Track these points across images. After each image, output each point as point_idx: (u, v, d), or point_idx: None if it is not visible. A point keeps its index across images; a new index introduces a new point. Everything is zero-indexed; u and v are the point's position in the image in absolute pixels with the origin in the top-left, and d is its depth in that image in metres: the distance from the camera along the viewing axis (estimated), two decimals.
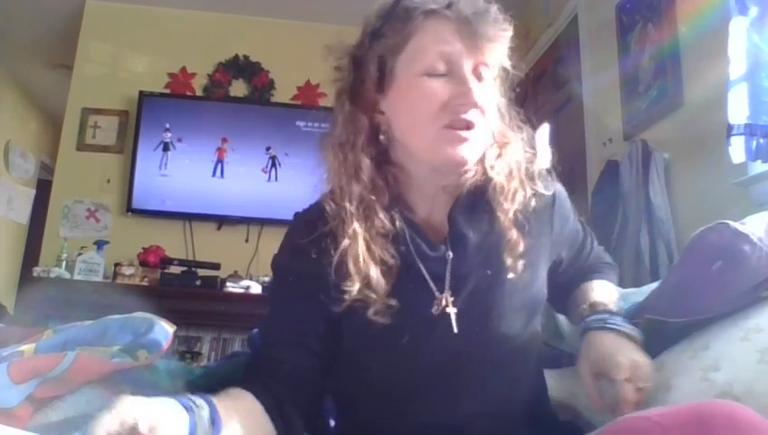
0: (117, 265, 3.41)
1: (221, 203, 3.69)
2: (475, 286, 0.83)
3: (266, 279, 3.43)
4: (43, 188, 4.85)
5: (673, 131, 2.17)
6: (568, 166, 3.07)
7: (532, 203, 0.87)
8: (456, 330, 0.81)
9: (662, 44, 2.24)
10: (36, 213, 4.98)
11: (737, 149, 1.78)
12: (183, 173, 3.72)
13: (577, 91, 2.97)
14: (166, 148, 3.72)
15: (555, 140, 3.32)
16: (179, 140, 3.74)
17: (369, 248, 0.81)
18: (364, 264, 0.80)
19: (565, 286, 1.01)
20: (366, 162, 0.84)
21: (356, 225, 0.81)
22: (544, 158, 0.92)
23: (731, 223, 0.86)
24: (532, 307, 0.87)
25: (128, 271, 3.37)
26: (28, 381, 0.75)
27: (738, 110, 1.80)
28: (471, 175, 0.86)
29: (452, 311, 0.82)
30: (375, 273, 0.80)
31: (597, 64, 2.83)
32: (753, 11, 1.80)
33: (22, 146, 5.44)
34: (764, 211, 0.95)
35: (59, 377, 0.77)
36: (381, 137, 0.85)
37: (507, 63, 0.86)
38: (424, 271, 0.83)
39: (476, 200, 0.86)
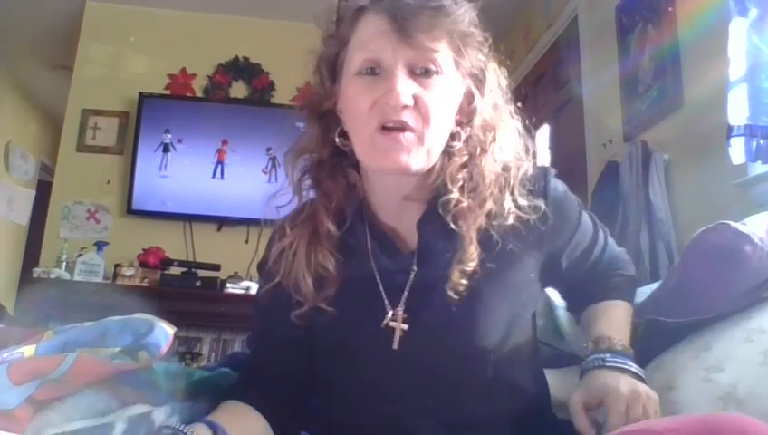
0: (117, 266, 3.40)
1: (221, 204, 3.69)
2: (438, 303, 0.78)
3: None
4: (44, 189, 4.84)
5: (673, 132, 2.17)
6: (568, 167, 3.07)
7: (509, 220, 0.79)
8: (395, 346, 0.78)
9: (662, 45, 2.24)
10: (36, 214, 4.98)
11: (737, 150, 1.78)
12: (183, 174, 3.71)
13: (577, 91, 2.97)
14: (166, 149, 3.72)
15: (555, 141, 3.33)
16: (179, 142, 3.74)
17: (306, 254, 0.80)
18: (293, 268, 0.80)
19: (579, 294, 0.95)
20: (317, 163, 0.83)
21: (290, 231, 0.81)
22: (535, 162, 0.85)
23: (732, 223, 0.87)
24: (507, 325, 0.81)
25: (128, 272, 3.37)
26: (28, 382, 0.75)
27: (738, 111, 1.80)
28: (433, 180, 0.80)
29: (398, 326, 0.78)
30: (304, 277, 0.79)
31: (597, 65, 2.83)
32: (753, 12, 1.80)
33: (22, 147, 5.44)
34: (765, 212, 0.95)
35: (59, 378, 0.76)
36: (337, 139, 0.80)
37: (473, 57, 0.79)
38: (379, 283, 0.80)
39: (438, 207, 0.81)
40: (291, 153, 0.85)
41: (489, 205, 0.78)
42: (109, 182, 3.75)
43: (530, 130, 0.87)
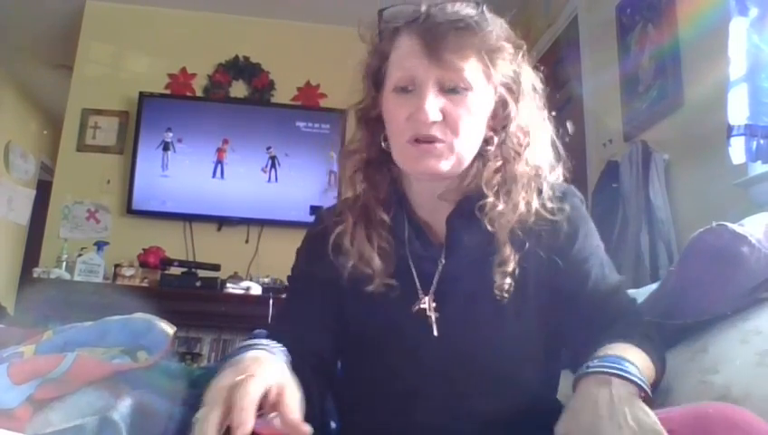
0: (117, 266, 3.40)
1: (221, 204, 3.69)
2: (463, 296, 0.84)
3: (266, 280, 3.44)
4: (44, 189, 4.84)
5: (673, 132, 2.17)
6: (568, 166, 3.07)
7: (531, 219, 0.84)
8: (436, 334, 0.83)
9: (662, 45, 2.24)
10: (36, 214, 4.98)
11: (737, 150, 1.78)
12: (183, 174, 3.71)
13: (577, 91, 2.97)
14: (166, 147, 3.72)
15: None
16: (179, 141, 3.74)
17: (368, 236, 0.87)
18: (360, 245, 0.86)
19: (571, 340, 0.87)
20: (366, 162, 0.90)
21: (352, 216, 0.88)
22: (559, 171, 0.90)
23: (729, 225, 0.87)
24: (528, 325, 0.84)
25: (128, 272, 3.37)
26: (28, 382, 0.75)
27: (738, 110, 1.80)
28: (468, 183, 0.85)
29: (433, 315, 0.84)
30: (371, 253, 0.85)
31: (597, 65, 2.83)
32: (754, 11, 1.80)
33: (22, 147, 5.44)
34: (764, 212, 0.95)
35: (59, 378, 0.77)
36: (383, 143, 0.87)
37: (504, 69, 0.84)
38: (413, 268, 0.87)
39: (475, 210, 0.86)
40: (344, 153, 0.93)
41: (521, 208, 0.83)
42: (109, 182, 3.75)
43: (564, 135, 0.92)
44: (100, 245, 3.49)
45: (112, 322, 1.00)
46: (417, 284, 0.86)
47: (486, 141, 0.85)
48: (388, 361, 0.87)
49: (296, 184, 3.74)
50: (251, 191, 3.73)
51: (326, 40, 3.95)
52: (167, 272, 3.41)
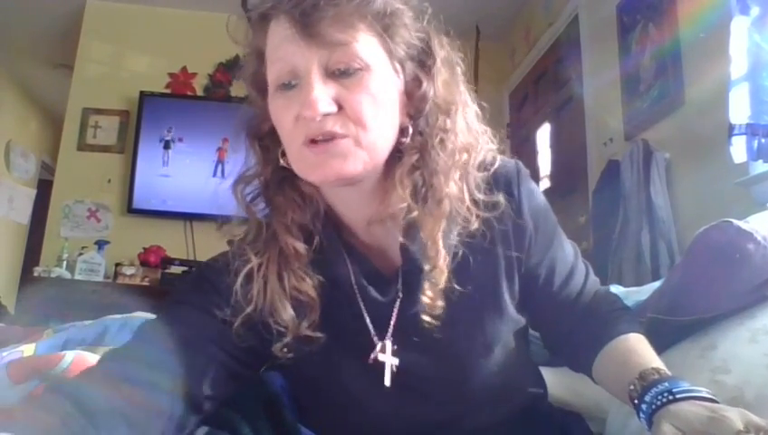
0: (117, 265, 3.41)
1: (222, 203, 3.68)
2: (425, 331, 0.71)
3: None
4: (44, 188, 4.85)
5: (674, 131, 2.17)
6: (568, 166, 3.07)
7: (474, 225, 0.71)
8: (387, 384, 0.71)
9: (663, 44, 2.24)
10: (37, 213, 4.98)
11: (738, 149, 1.78)
12: (184, 173, 3.71)
13: (577, 90, 2.97)
14: (167, 145, 3.72)
15: (556, 140, 3.32)
16: (180, 140, 3.74)
17: (278, 278, 0.70)
18: (268, 295, 0.69)
19: (576, 338, 0.79)
20: (264, 185, 0.74)
21: (254, 255, 0.70)
22: (492, 151, 0.75)
23: (734, 221, 0.86)
24: (496, 322, 0.75)
25: (128, 271, 3.37)
26: (27, 380, 0.75)
27: (739, 109, 1.80)
28: (397, 211, 0.70)
29: (388, 361, 0.71)
30: (282, 303, 0.69)
31: (597, 64, 2.83)
32: (755, 10, 1.80)
33: (22, 146, 5.44)
34: (767, 211, 0.94)
35: (58, 377, 0.76)
36: (281, 159, 0.71)
37: (407, 37, 0.68)
38: (364, 311, 0.72)
39: (386, 221, 0.72)
40: (236, 184, 0.75)
41: (446, 206, 0.68)
42: (109, 181, 3.76)
43: (486, 111, 0.76)
44: (100, 244, 3.49)
45: (112, 321, 1.00)
46: (372, 330, 0.72)
47: (401, 132, 0.69)
48: (347, 407, 0.76)
49: None
50: None
51: None
52: (167, 271, 3.41)
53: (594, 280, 0.84)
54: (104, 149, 3.80)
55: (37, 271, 3.38)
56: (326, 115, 0.63)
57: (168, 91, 3.88)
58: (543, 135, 3.44)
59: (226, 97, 3.92)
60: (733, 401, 0.69)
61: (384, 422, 0.76)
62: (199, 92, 3.93)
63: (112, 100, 3.85)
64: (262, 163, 0.74)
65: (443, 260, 0.68)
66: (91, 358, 0.80)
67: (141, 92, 3.75)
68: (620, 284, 1.58)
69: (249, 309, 0.69)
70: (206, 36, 3.96)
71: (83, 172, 3.75)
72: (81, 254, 3.41)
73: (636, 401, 0.64)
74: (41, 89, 5.29)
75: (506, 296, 0.76)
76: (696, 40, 2.06)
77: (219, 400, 0.70)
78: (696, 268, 0.90)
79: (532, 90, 3.57)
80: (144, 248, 3.49)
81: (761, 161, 1.73)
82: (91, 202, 3.73)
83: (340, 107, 0.64)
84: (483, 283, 0.74)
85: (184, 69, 3.93)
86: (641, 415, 0.63)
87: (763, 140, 1.72)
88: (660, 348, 0.87)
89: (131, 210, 3.66)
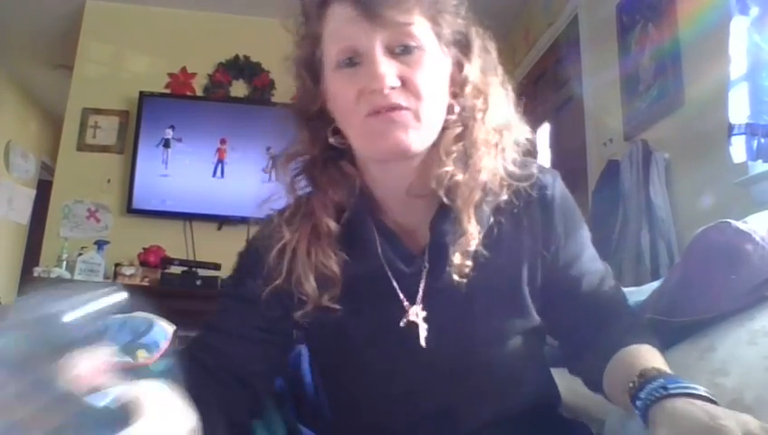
0: (117, 265, 3.41)
1: (221, 203, 3.69)
2: (451, 301, 0.76)
3: None
4: (44, 189, 4.85)
5: (673, 131, 2.17)
6: (568, 166, 3.07)
7: (503, 195, 0.76)
8: (423, 345, 0.76)
9: (662, 44, 2.24)
10: (37, 213, 4.98)
11: (738, 149, 1.78)
12: (183, 173, 3.72)
13: (577, 90, 2.97)
14: (166, 146, 3.72)
15: (555, 140, 3.32)
16: (180, 140, 3.74)
17: (307, 252, 0.76)
18: (295, 267, 0.75)
19: (582, 349, 0.81)
20: (310, 162, 0.80)
21: (287, 229, 0.77)
22: (521, 135, 0.80)
23: (733, 222, 0.86)
24: (514, 311, 0.79)
25: (128, 271, 3.37)
26: None
27: (739, 109, 1.80)
28: (433, 167, 0.75)
29: (421, 324, 0.76)
30: (307, 276, 0.75)
31: (597, 64, 2.83)
32: (754, 10, 1.80)
33: (22, 146, 5.44)
34: (767, 211, 0.94)
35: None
36: (332, 139, 0.77)
37: (452, 24, 0.75)
38: (394, 282, 0.78)
39: (431, 182, 0.76)
40: (281, 158, 0.83)
41: (484, 176, 0.75)
42: (109, 181, 3.76)
43: (520, 97, 0.82)
44: (100, 244, 3.49)
45: (112, 320, 1.00)
46: (402, 297, 0.77)
47: (448, 109, 0.76)
48: (372, 374, 0.80)
49: None
50: (251, 190, 3.71)
51: None
52: (167, 271, 3.41)
53: (619, 291, 0.85)
54: (104, 149, 3.80)
55: (37, 271, 3.38)
56: (392, 88, 0.69)
57: (167, 91, 3.88)
58: (543, 135, 3.44)
59: (226, 97, 3.93)
60: (732, 404, 0.68)
61: (409, 388, 0.79)
62: (199, 92, 3.93)
63: (112, 100, 3.85)
64: (310, 142, 0.80)
65: (474, 227, 0.74)
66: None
67: (141, 93, 3.76)
68: (620, 284, 1.58)
69: (278, 281, 0.76)
70: (206, 36, 3.98)
71: (83, 172, 3.75)
72: (80, 254, 3.41)
73: (633, 399, 0.64)
74: (41, 89, 5.29)
75: (525, 286, 0.79)
76: (695, 40, 2.06)
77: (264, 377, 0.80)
78: (694, 269, 0.90)
79: (531, 90, 3.57)
80: (144, 248, 3.49)
81: (760, 161, 1.74)
82: (91, 202, 3.73)
83: (403, 82, 0.70)
84: (505, 263, 0.77)
85: (183, 69, 3.93)
86: (637, 411, 0.63)
87: (762, 140, 1.72)
88: (660, 348, 0.87)
89: (131, 210, 3.66)
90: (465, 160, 0.74)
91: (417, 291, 0.77)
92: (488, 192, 0.76)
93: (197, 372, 0.74)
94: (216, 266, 3.40)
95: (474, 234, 0.74)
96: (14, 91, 5.30)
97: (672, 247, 2.03)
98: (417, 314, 0.76)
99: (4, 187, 5.07)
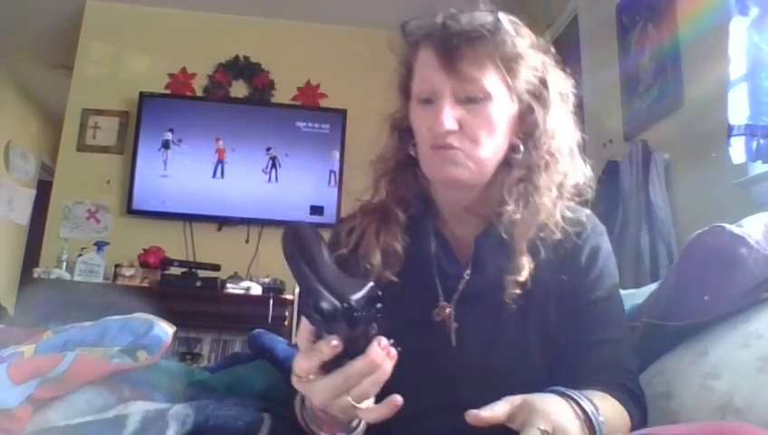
0: (117, 266, 3.40)
1: (221, 204, 3.69)
2: (483, 309, 0.85)
3: (266, 280, 3.43)
4: (44, 189, 4.84)
5: (673, 132, 2.17)
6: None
7: (557, 234, 0.84)
8: (454, 343, 0.84)
9: (662, 44, 2.24)
10: (36, 214, 4.97)
11: (737, 150, 1.78)
12: (183, 174, 3.71)
13: (577, 91, 2.96)
14: (167, 146, 3.72)
15: None
16: (179, 141, 3.74)
17: (377, 231, 0.88)
18: (366, 239, 0.87)
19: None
20: (394, 166, 0.91)
21: (365, 215, 0.90)
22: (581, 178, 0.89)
23: (727, 226, 0.86)
24: (538, 330, 0.84)
25: (128, 272, 3.37)
26: (28, 381, 0.75)
27: (738, 110, 1.80)
28: (494, 193, 0.85)
29: (452, 324, 0.85)
30: (374, 247, 0.86)
31: (597, 64, 2.83)
32: (754, 11, 1.80)
33: (22, 147, 5.44)
34: (763, 212, 0.95)
35: (58, 377, 0.77)
36: (412, 151, 0.88)
37: (527, 75, 0.83)
38: (437, 280, 0.87)
39: (493, 217, 0.86)
40: (377, 159, 0.94)
41: (541, 217, 0.83)
42: (109, 182, 3.76)
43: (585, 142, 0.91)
44: (100, 245, 3.49)
45: (112, 322, 1.00)
46: (441, 292, 0.87)
47: (513, 149, 0.85)
48: (402, 366, 0.84)
49: (296, 184, 3.74)
50: (251, 191, 3.73)
51: (326, 40, 3.96)
52: (167, 272, 3.41)
53: (628, 357, 0.83)
54: (104, 149, 3.80)
55: (37, 272, 3.38)
56: (449, 132, 0.80)
57: (167, 91, 3.88)
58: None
59: (226, 97, 3.93)
60: (722, 408, 0.69)
61: (434, 380, 0.83)
62: (199, 93, 3.93)
63: (112, 100, 3.85)
64: (397, 149, 0.92)
65: (525, 259, 0.82)
66: (91, 359, 0.80)
67: (141, 93, 3.76)
68: (619, 285, 1.58)
69: (344, 251, 0.88)
70: (206, 37, 3.98)
71: (83, 173, 3.75)
72: (80, 255, 3.41)
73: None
74: (40, 89, 5.29)
75: (552, 313, 0.84)
76: (695, 40, 2.06)
77: None
78: (689, 273, 0.90)
79: None
80: (144, 249, 3.48)
81: (759, 162, 1.74)
82: (91, 203, 3.73)
83: (461, 126, 0.81)
84: (540, 290, 0.84)
85: (183, 69, 3.93)
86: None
87: (761, 141, 1.72)
88: (656, 353, 0.87)
89: (131, 211, 3.66)
90: (526, 200, 0.83)
91: (455, 293, 0.86)
92: (543, 229, 0.84)
93: None
94: (216, 267, 3.40)
95: (526, 267, 0.82)
96: (14, 91, 5.30)
97: (671, 248, 2.03)
98: (450, 313, 0.85)
99: (3, 187, 5.07)
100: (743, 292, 0.83)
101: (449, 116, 0.80)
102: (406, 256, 0.88)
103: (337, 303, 0.56)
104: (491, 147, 0.82)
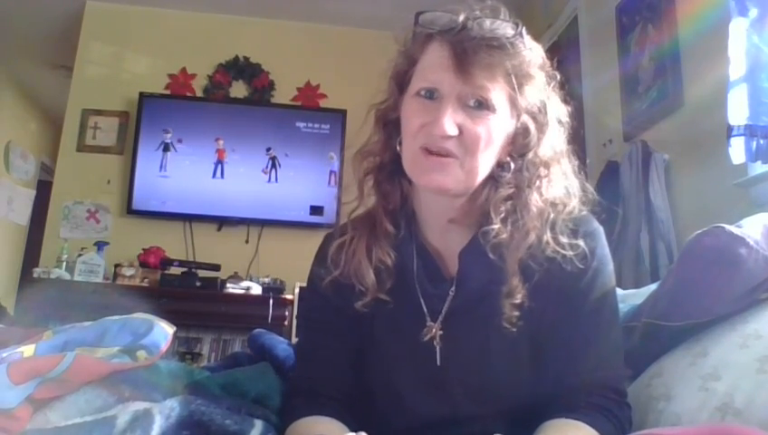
0: (117, 265, 3.41)
1: (221, 204, 3.69)
2: (469, 327, 0.83)
3: (266, 280, 3.44)
4: (44, 189, 4.84)
5: (673, 132, 2.17)
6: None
7: (547, 251, 0.80)
8: (438, 363, 0.83)
9: (662, 45, 2.24)
10: (36, 214, 4.97)
11: (737, 150, 1.78)
12: (183, 174, 3.71)
13: (577, 91, 2.96)
14: (166, 148, 3.72)
15: None
16: (179, 141, 3.74)
17: (368, 247, 0.85)
18: (356, 257, 0.85)
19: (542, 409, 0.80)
20: (379, 166, 0.87)
21: (351, 228, 0.87)
22: (576, 205, 0.84)
23: (726, 226, 0.86)
24: (526, 348, 0.82)
25: (128, 272, 3.37)
26: (27, 381, 0.75)
27: (738, 110, 1.80)
28: (478, 205, 0.82)
29: (438, 343, 0.83)
30: (366, 267, 0.84)
31: (597, 65, 2.83)
32: (753, 12, 1.80)
33: (22, 147, 5.44)
34: (763, 213, 0.95)
35: (58, 378, 0.77)
36: (398, 147, 0.84)
37: (532, 96, 0.81)
38: (422, 300, 0.85)
39: (479, 236, 0.82)
40: (357, 155, 0.90)
41: (531, 238, 0.79)
42: (109, 182, 3.76)
43: (584, 171, 0.89)
44: (100, 245, 3.49)
45: (112, 322, 1.00)
46: (426, 312, 0.84)
47: (501, 166, 0.82)
48: (399, 382, 0.86)
49: (296, 184, 3.74)
50: (251, 191, 3.73)
51: (326, 40, 3.96)
52: (167, 272, 3.41)
53: (617, 374, 0.82)
54: (104, 150, 3.81)
55: (37, 272, 3.37)
56: (448, 136, 0.76)
57: (167, 92, 3.88)
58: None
59: (226, 98, 3.93)
60: (721, 408, 0.69)
61: (406, 407, 0.84)
62: (199, 93, 3.93)
63: (112, 101, 3.85)
64: (382, 145, 0.88)
65: (517, 279, 0.79)
66: (91, 359, 0.80)
67: (141, 93, 3.76)
68: (619, 285, 1.58)
69: (336, 272, 0.85)
70: (206, 37, 3.98)
71: (83, 173, 3.75)
72: (80, 255, 3.41)
73: None
74: (40, 90, 5.29)
75: (545, 329, 0.82)
76: (695, 41, 2.06)
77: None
78: (689, 273, 0.90)
79: None
80: (143, 249, 3.48)
81: (759, 162, 1.74)
82: (91, 203, 3.73)
83: (461, 132, 0.77)
84: (529, 308, 0.80)
85: (183, 70, 3.93)
86: None
87: (761, 142, 1.72)
88: (656, 353, 0.87)
89: (131, 211, 3.66)
90: (515, 220, 0.80)
91: (441, 311, 0.84)
92: (534, 250, 0.80)
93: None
94: (216, 267, 3.40)
95: (519, 287, 0.79)
96: (13, 91, 5.30)
97: (671, 248, 2.03)
98: (436, 332, 0.83)
99: (3, 187, 5.07)
100: (742, 292, 0.83)
101: (451, 120, 0.76)
102: (395, 272, 0.85)
103: None
104: (485, 159, 0.79)
